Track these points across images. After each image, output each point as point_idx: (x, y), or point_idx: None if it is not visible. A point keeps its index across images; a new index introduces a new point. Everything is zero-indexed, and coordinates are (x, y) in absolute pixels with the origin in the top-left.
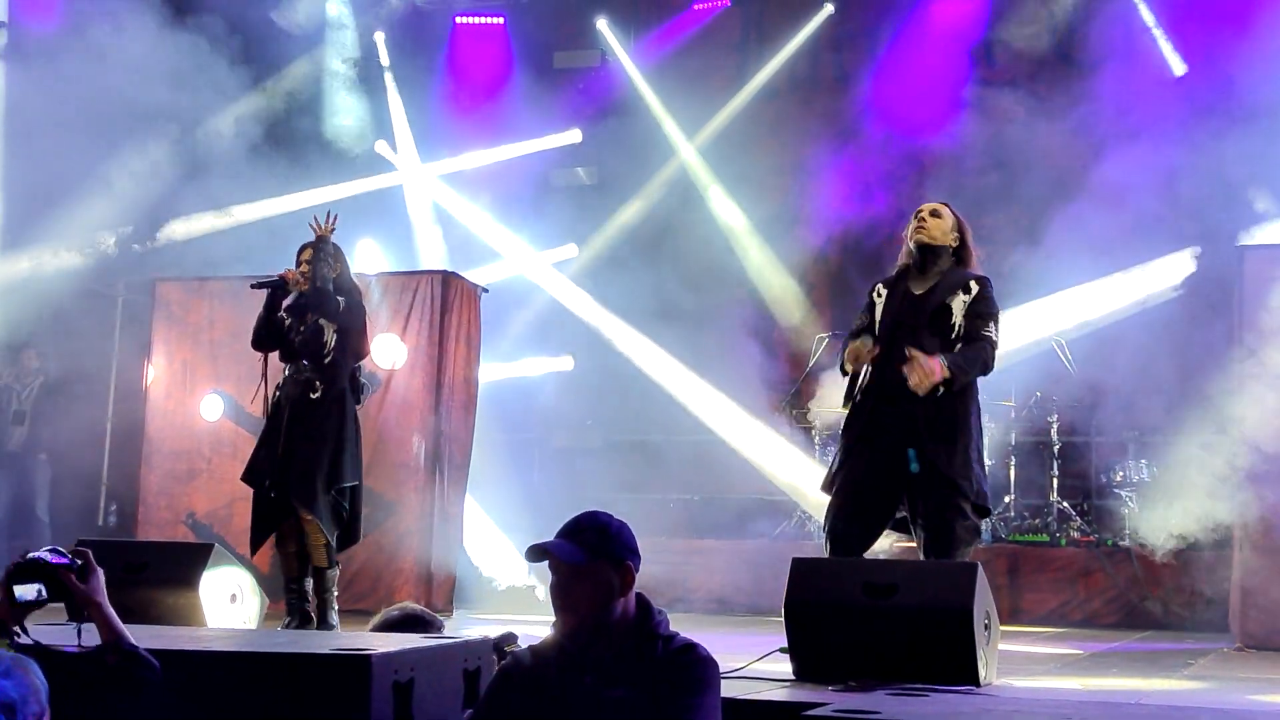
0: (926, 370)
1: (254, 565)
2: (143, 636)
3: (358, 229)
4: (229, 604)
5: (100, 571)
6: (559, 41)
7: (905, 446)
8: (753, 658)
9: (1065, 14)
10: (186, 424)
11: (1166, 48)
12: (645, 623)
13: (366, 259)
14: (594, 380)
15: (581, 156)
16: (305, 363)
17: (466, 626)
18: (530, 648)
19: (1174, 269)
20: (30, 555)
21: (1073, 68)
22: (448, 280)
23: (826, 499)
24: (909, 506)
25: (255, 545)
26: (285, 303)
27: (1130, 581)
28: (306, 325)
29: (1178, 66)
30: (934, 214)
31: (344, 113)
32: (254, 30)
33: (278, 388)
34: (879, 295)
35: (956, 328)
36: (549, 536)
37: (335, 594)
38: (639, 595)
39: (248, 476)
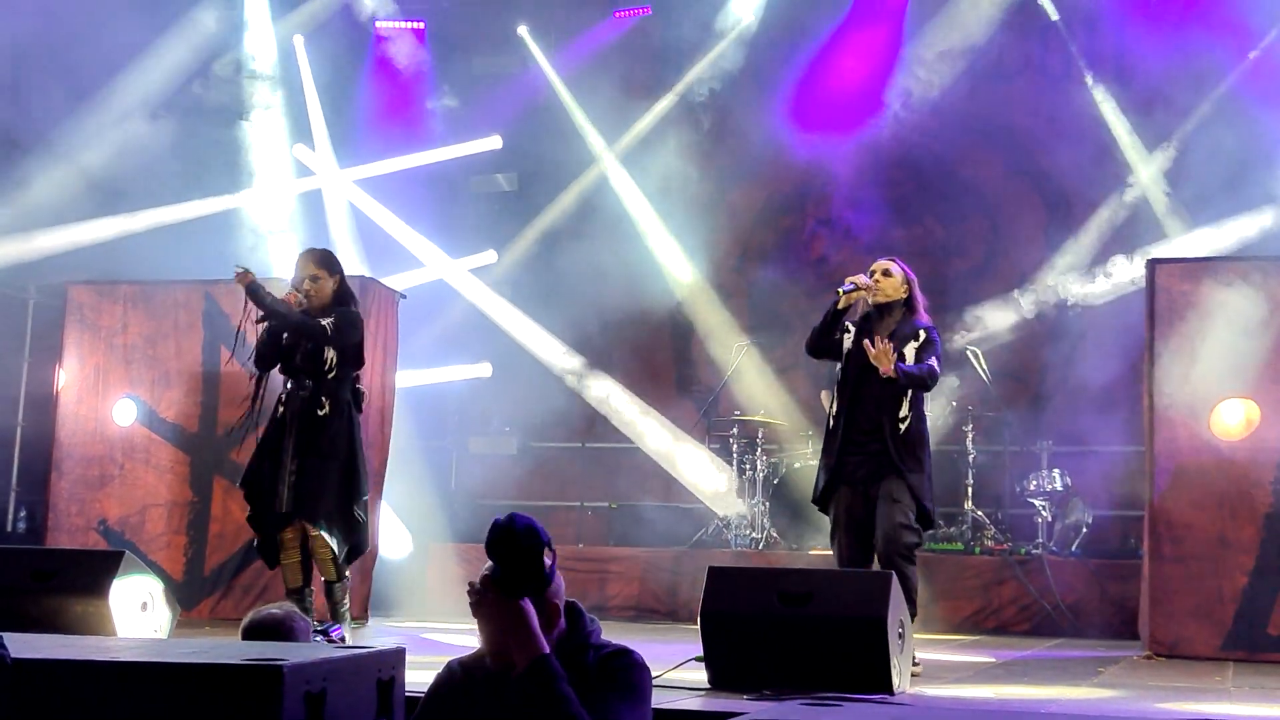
0: (885, 355)
1: (166, 573)
2: (50, 646)
3: (276, 233)
4: (140, 612)
5: None
6: (479, 47)
7: (876, 479)
8: (668, 666)
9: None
10: (98, 429)
11: None
12: (576, 632)
13: (284, 263)
14: (511, 387)
15: (501, 162)
16: (308, 381)
17: (382, 634)
18: (460, 661)
19: (1095, 278)
20: None
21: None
22: (365, 286)
23: (742, 507)
24: (874, 520)
25: (273, 558)
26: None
27: (1042, 590)
28: (310, 345)
29: None
30: (885, 274)
31: (261, 116)
32: (171, 30)
33: (280, 402)
34: (849, 330)
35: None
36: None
37: (347, 604)
38: (571, 604)
39: (249, 490)
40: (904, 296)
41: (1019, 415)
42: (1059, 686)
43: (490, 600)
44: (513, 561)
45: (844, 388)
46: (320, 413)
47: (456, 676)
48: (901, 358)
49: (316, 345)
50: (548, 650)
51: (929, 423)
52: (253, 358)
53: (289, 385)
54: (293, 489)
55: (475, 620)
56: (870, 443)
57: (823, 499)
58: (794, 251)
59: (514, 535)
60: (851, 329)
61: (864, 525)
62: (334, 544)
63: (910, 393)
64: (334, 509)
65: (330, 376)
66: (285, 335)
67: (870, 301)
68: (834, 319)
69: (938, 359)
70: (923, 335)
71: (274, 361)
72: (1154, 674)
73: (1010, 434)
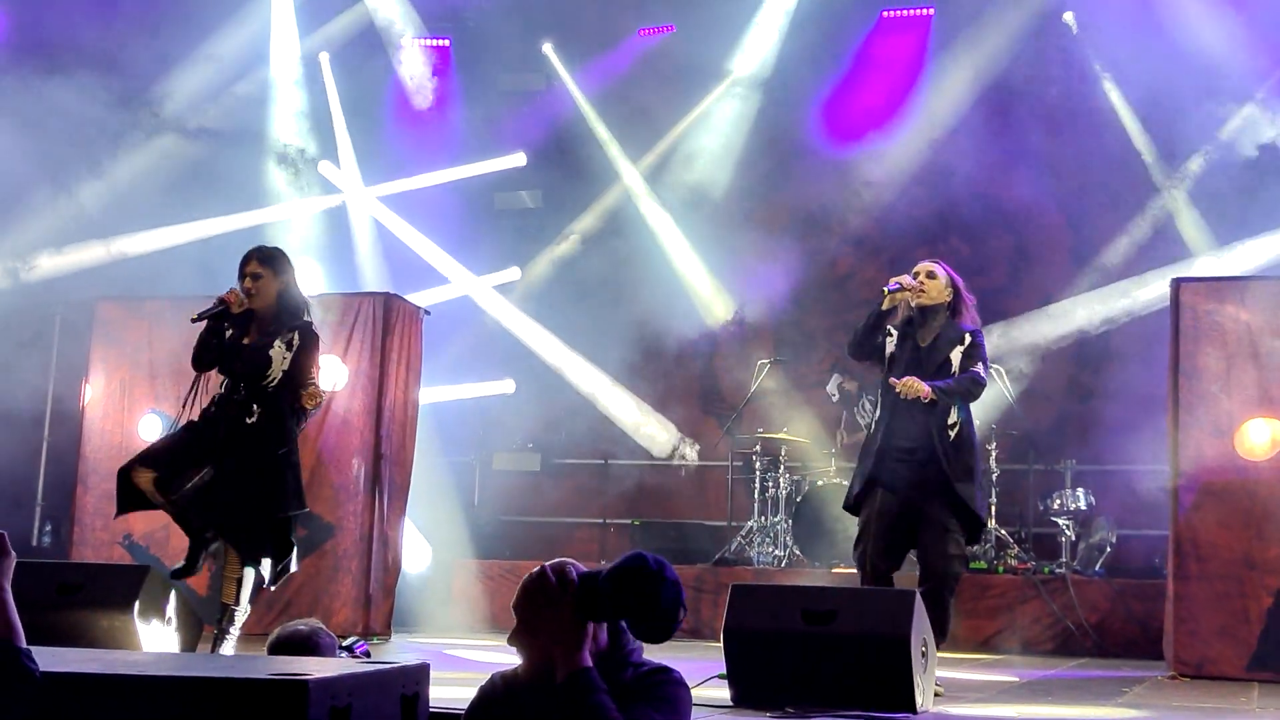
0: (914, 387)
1: (191, 588)
2: (77, 659)
3: (300, 249)
4: (165, 627)
5: (12, 556)
6: (505, 64)
7: (923, 495)
8: (692, 684)
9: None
10: (124, 444)
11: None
12: (617, 649)
13: (308, 279)
14: (535, 403)
15: (526, 180)
16: (243, 386)
17: (405, 650)
18: (501, 675)
19: (1120, 297)
20: None
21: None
22: (389, 302)
23: (763, 522)
24: (918, 539)
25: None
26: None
27: (1066, 609)
28: (251, 346)
29: None
30: (930, 275)
31: (288, 133)
32: (199, 48)
33: (213, 401)
34: (891, 334)
35: (955, 375)
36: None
37: (236, 635)
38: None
39: (162, 483)
40: (948, 299)
41: (1043, 434)
42: (1083, 706)
43: (558, 600)
44: (633, 609)
45: (886, 393)
46: (249, 420)
47: (498, 690)
48: (947, 363)
49: (269, 352)
50: (590, 664)
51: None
52: (192, 359)
53: (223, 387)
54: (206, 497)
55: (520, 602)
56: (917, 451)
57: (856, 503)
58: (818, 268)
59: (657, 592)
60: (894, 332)
61: (895, 533)
62: (244, 564)
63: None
64: (249, 524)
65: (269, 387)
66: (228, 332)
67: (913, 304)
68: (878, 321)
69: (984, 364)
70: (968, 339)
71: (211, 364)
72: (1179, 694)
73: (1034, 453)
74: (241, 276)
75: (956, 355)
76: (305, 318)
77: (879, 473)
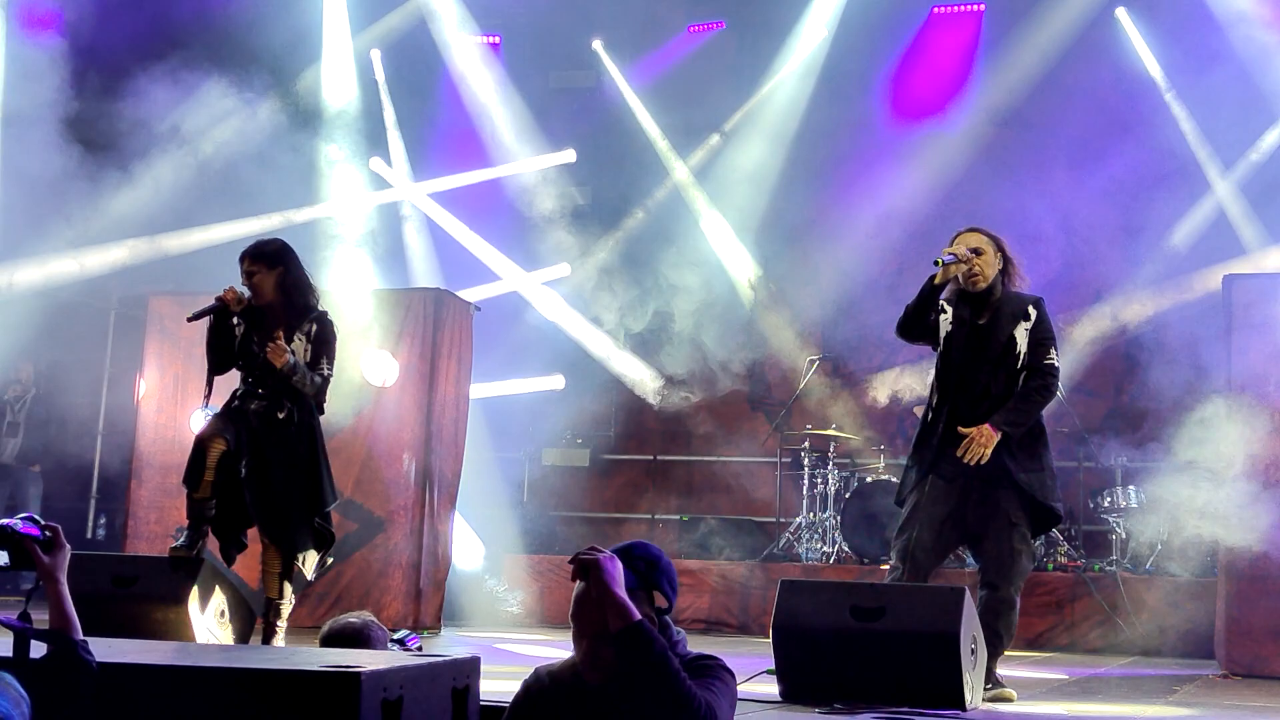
0: (981, 444)
1: (243, 581)
2: (131, 650)
3: (352, 245)
4: (218, 619)
5: (67, 548)
6: (555, 62)
7: (985, 486)
8: (740, 679)
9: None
10: (177, 438)
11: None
12: (665, 638)
13: (360, 275)
14: (584, 399)
15: (576, 176)
16: (268, 381)
17: (455, 644)
18: (548, 669)
19: (1171, 292)
20: (0, 522)
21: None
22: (440, 298)
23: (811, 519)
24: (976, 534)
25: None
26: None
27: (1117, 607)
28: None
29: None
30: (977, 252)
31: (340, 128)
32: (253, 47)
33: (235, 395)
34: (945, 311)
35: (1021, 358)
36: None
37: (283, 628)
38: (659, 616)
39: (227, 458)
40: (999, 268)
41: (1094, 431)
42: (1133, 704)
43: (599, 557)
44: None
45: (945, 375)
46: (280, 416)
47: (544, 683)
48: (1011, 343)
49: (292, 347)
50: (639, 617)
51: None
52: (209, 368)
53: (247, 381)
54: (254, 495)
55: (576, 613)
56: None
57: (903, 493)
58: (870, 264)
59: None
60: (948, 309)
61: (945, 525)
62: (284, 560)
63: (1024, 379)
64: (298, 523)
65: (292, 379)
66: (238, 329)
67: (968, 287)
68: (930, 297)
69: (1054, 346)
70: (1033, 313)
71: (228, 364)
72: (1230, 693)
73: (1085, 449)
74: (242, 275)
75: (1021, 334)
76: (316, 305)
77: (938, 464)
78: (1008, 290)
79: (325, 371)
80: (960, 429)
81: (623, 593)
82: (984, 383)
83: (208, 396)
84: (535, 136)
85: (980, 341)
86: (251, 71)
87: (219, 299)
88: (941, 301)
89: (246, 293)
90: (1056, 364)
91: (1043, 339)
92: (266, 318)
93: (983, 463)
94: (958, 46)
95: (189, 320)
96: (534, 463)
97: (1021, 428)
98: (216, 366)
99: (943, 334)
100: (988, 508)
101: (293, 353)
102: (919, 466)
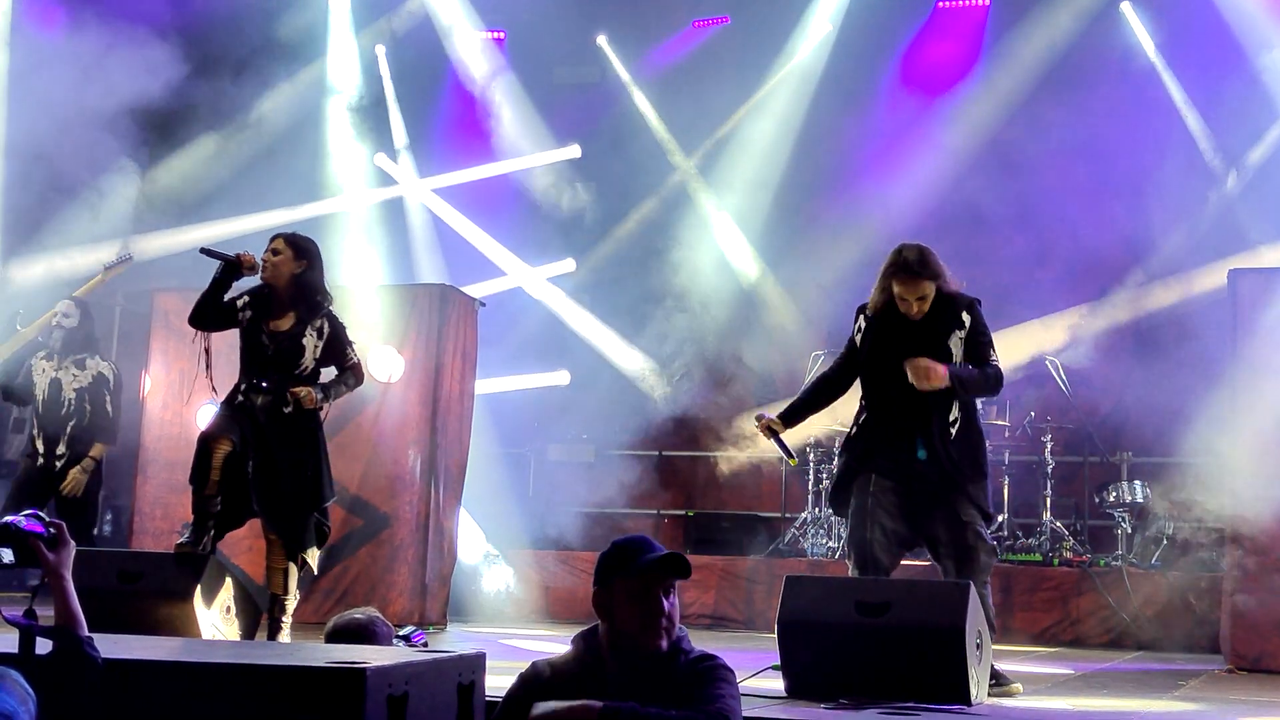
0: (929, 370)
1: (249, 577)
2: (137, 646)
3: (358, 241)
4: (223, 615)
5: (72, 545)
6: (559, 57)
7: (930, 503)
8: (746, 674)
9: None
10: (183, 434)
11: None
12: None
13: (366, 271)
14: (589, 395)
15: (580, 171)
16: (276, 375)
17: (460, 640)
18: (548, 662)
19: (1177, 287)
20: (4, 520)
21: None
22: (445, 294)
23: (817, 514)
24: (930, 536)
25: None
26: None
27: (1122, 602)
28: (283, 335)
29: None
30: (920, 299)
31: (345, 124)
32: (256, 41)
33: (237, 389)
34: (859, 330)
35: (958, 362)
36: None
37: (289, 623)
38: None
39: (232, 459)
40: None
41: (1098, 426)
42: (1139, 699)
43: None
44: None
45: (870, 390)
46: (285, 410)
47: (544, 676)
48: (948, 353)
49: (303, 341)
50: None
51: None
52: (190, 314)
53: (251, 375)
54: (261, 490)
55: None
56: (909, 458)
57: (842, 496)
58: (873, 260)
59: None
60: (864, 321)
61: (898, 519)
62: (288, 555)
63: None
64: (298, 517)
65: (300, 375)
66: (244, 313)
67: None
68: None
69: (992, 347)
70: (968, 320)
71: (213, 322)
72: (1236, 688)
73: (1090, 445)
74: (266, 250)
75: (956, 343)
76: (326, 305)
77: (868, 461)
78: (943, 300)
79: (353, 359)
80: (907, 363)
81: None
82: (912, 392)
83: (214, 390)
84: (540, 131)
85: (909, 335)
86: (259, 67)
87: (236, 256)
88: (860, 318)
89: (261, 266)
90: (998, 363)
91: (980, 341)
92: (274, 306)
93: (932, 387)
94: (962, 41)
95: (200, 251)
96: (539, 458)
97: (965, 390)
98: (195, 317)
99: (859, 340)
100: (938, 507)
101: (319, 388)
102: (846, 467)
